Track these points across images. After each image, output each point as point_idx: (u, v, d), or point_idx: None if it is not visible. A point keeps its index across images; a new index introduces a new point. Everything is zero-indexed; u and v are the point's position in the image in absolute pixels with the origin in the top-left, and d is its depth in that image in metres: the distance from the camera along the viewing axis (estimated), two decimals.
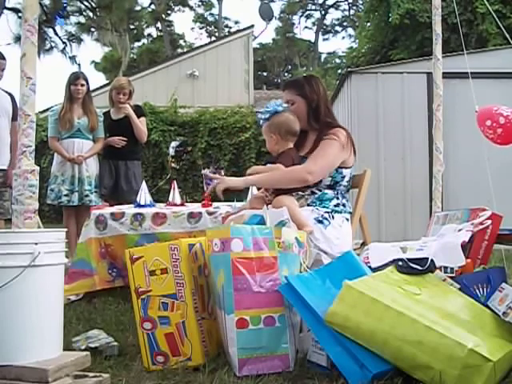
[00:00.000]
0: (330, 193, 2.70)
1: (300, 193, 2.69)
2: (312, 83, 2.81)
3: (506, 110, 3.27)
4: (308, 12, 28.25)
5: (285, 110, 2.70)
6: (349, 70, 7.10)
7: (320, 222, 2.57)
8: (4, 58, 3.98)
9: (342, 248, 2.49)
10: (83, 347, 2.16)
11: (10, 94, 4.11)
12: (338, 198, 2.72)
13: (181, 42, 27.62)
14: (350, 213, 2.79)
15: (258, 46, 25.01)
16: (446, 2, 8.63)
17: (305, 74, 2.92)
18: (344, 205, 2.74)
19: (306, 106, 2.77)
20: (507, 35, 3.58)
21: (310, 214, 2.57)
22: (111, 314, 2.90)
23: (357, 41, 18.48)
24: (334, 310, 1.85)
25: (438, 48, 3.86)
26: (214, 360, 2.07)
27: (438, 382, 1.66)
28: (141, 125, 4.66)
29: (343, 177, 2.74)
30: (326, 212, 2.62)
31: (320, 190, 2.70)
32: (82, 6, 15.50)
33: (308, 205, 2.68)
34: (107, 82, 16.45)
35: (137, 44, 25.97)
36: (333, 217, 2.62)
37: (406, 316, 1.75)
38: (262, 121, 2.73)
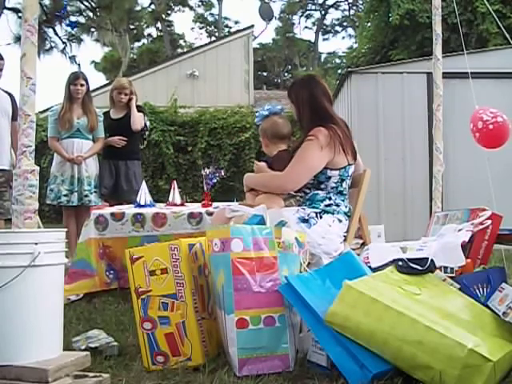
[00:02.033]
0: (320, 193, 2.69)
1: (291, 192, 2.71)
2: (299, 87, 2.84)
3: (489, 114, 3.27)
4: (308, 12, 28.25)
5: (272, 114, 2.79)
6: (349, 70, 7.11)
7: (305, 221, 2.55)
8: (2, 58, 3.98)
9: (327, 248, 2.48)
10: (83, 347, 2.16)
11: (9, 94, 4.11)
12: (329, 199, 2.69)
13: (181, 42, 27.63)
14: (346, 213, 2.74)
15: (258, 46, 25.02)
16: (446, 1, 8.63)
17: (302, 75, 3.00)
18: (338, 204, 2.70)
19: (295, 109, 2.83)
20: (507, 35, 3.58)
21: (295, 214, 2.55)
22: (111, 314, 2.90)
23: (357, 41, 18.48)
24: (334, 310, 1.85)
25: (438, 48, 3.86)
26: (214, 360, 2.07)
27: (438, 382, 1.66)
28: (137, 115, 4.68)
29: (328, 177, 2.68)
30: (313, 212, 2.61)
31: (310, 189, 2.70)
32: (82, 6, 15.50)
33: (299, 205, 2.68)
34: (107, 82, 16.45)
35: (137, 44, 25.97)
36: (321, 217, 2.60)
37: (406, 316, 1.75)
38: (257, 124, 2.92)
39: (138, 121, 4.67)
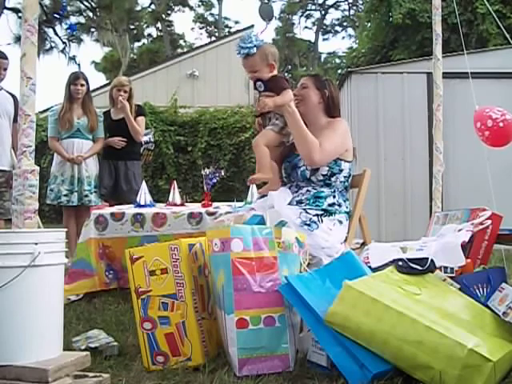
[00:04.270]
0: (326, 191, 2.70)
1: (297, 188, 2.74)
2: (330, 83, 2.93)
3: (497, 112, 3.25)
4: (308, 12, 28.26)
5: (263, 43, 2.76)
6: (349, 69, 7.11)
7: (307, 225, 2.54)
8: (6, 58, 3.99)
9: (330, 252, 2.49)
10: (83, 347, 2.16)
11: (13, 96, 4.11)
12: (334, 197, 2.70)
13: (181, 42, 27.64)
14: (347, 213, 2.75)
15: None
16: (446, 2, 8.64)
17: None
18: (340, 204, 2.71)
19: (317, 97, 2.85)
20: (507, 35, 3.58)
21: (297, 219, 2.53)
22: (111, 314, 2.90)
23: (357, 41, 18.49)
24: (334, 310, 1.85)
25: (438, 48, 3.86)
26: (214, 360, 2.07)
27: (438, 382, 1.66)
28: (136, 125, 4.63)
29: (341, 170, 2.73)
30: (315, 215, 2.60)
31: (316, 189, 2.70)
32: (82, 6, 15.50)
33: (301, 201, 2.68)
34: (107, 82, 16.46)
35: (137, 44, 25.99)
36: (322, 220, 2.60)
37: (406, 316, 1.75)
38: (245, 54, 2.72)
39: (136, 130, 4.62)
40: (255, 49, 2.70)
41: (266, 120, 2.86)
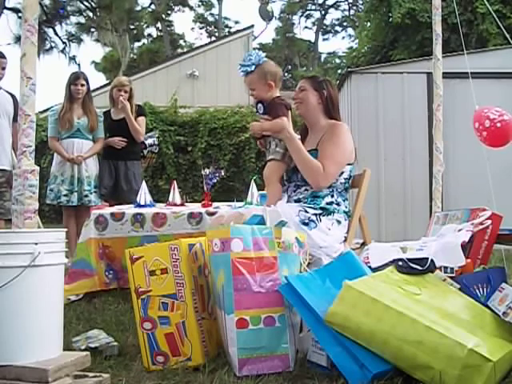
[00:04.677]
0: (324, 190, 2.70)
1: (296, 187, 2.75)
2: (328, 83, 2.91)
3: (495, 112, 3.26)
4: (308, 12, 28.26)
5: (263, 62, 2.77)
6: (349, 70, 7.11)
7: (305, 224, 2.55)
8: (4, 57, 3.99)
9: (328, 251, 2.49)
10: (83, 347, 2.16)
11: (12, 95, 4.11)
12: (332, 196, 2.70)
13: (181, 42, 27.64)
14: (346, 212, 2.75)
15: (258, 46, 25.02)
16: (446, 1, 8.64)
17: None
18: (338, 203, 2.71)
19: (316, 98, 2.83)
20: (507, 35, 3.58)
21: (296, 217, 2.54)
22: (111, 314, 2.90)
23: (357, 41, 18.51)
24: (334, 310, 1.85)
25: (438, 48, 3.87)
26: (214, 360, 2.07)
27: (438, 382, 1.66)
28: (136, 124, 4.63)
29: (342, 172, 2.73)
30: (313, 214, 2.60)
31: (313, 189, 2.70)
32: (82, 6, 15.52)
33: (299, 200, 2.68)
34: (107, 82, 16.46)
35: (137, 44, 25.98)
36: (320, 219, 2.60)
37: (406, 316, 1.75)
38: (245, 72, 2.78)
39: (138, 133, 4.63)
40: (253, 67, 2.73)
41: (267, 143, 2.85)
